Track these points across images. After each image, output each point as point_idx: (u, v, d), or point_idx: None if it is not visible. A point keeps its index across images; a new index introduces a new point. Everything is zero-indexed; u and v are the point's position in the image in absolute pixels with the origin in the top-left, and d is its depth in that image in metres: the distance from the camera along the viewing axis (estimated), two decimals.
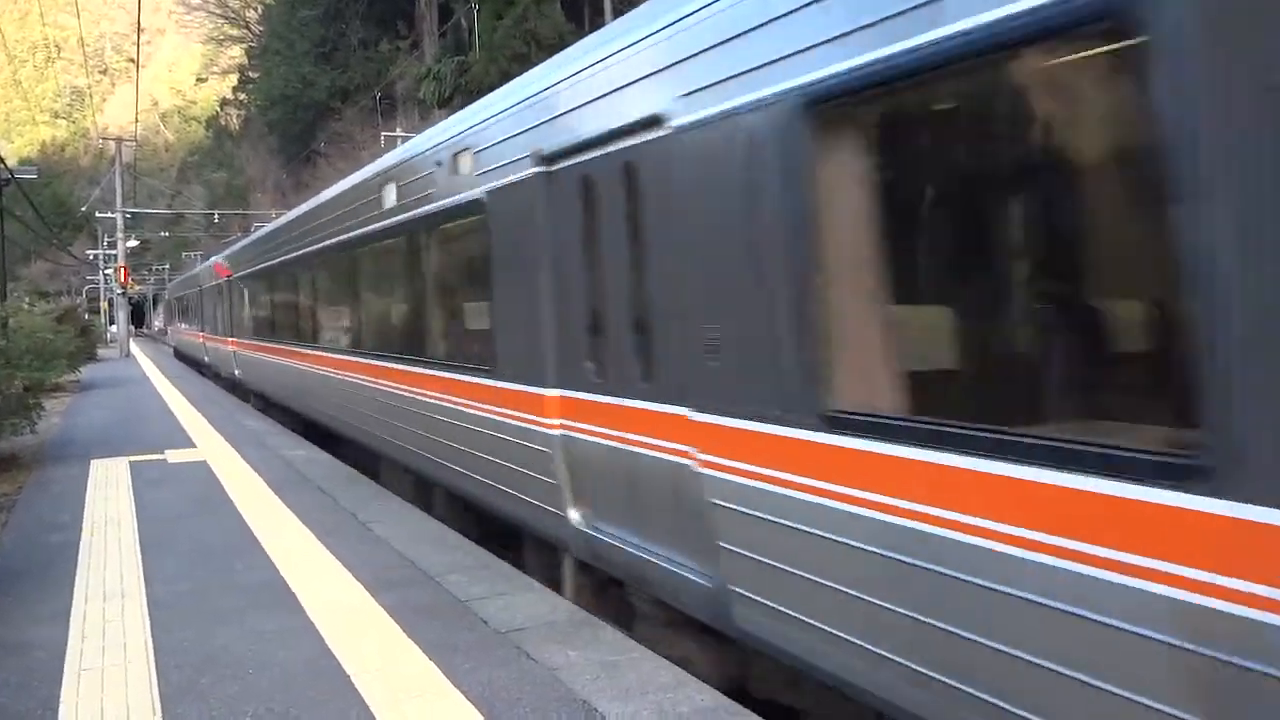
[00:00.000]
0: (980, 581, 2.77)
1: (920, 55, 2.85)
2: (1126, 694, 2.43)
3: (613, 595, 5.24)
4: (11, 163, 29.32)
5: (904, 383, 3.24)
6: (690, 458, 4.09)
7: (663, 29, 4.18)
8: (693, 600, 4.25)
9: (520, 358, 5.80)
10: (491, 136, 6.11)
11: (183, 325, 36.99)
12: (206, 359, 25.90)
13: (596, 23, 28.57)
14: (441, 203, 7.07)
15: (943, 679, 2.91)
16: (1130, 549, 2.40)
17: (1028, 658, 2.65)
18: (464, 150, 6.58)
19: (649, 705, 3.95)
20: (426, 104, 41.68)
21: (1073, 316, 2.79)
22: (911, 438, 2.99)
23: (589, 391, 5.07)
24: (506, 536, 6.67)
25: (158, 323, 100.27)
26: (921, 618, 2.96)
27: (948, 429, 2.87)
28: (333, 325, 11.40)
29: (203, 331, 26.37)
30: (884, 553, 3.09)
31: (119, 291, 39.82)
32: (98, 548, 7.10)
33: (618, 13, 23.48)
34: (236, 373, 19.35)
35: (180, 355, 37.26)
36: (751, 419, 3.70)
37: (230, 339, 20.10)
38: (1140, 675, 2.40)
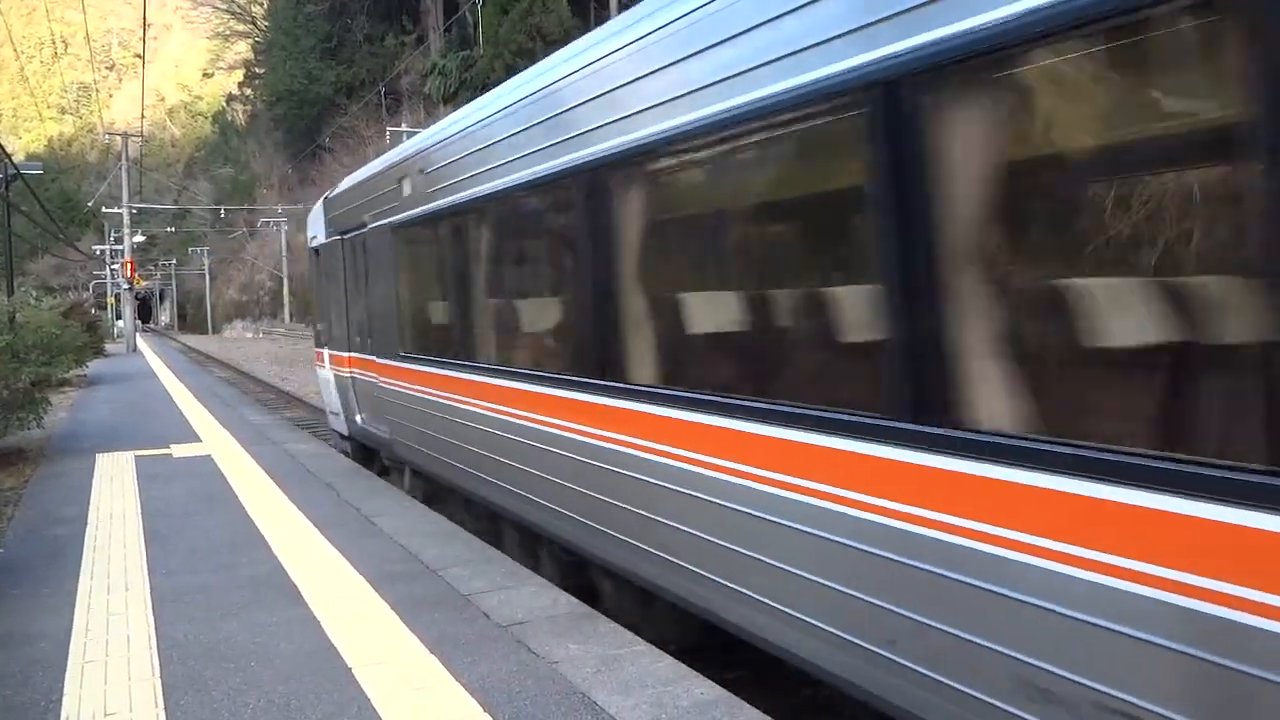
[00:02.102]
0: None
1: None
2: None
3: None
4: (18, 158, 29.42)
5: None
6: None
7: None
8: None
9: None
10: None
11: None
12: None
13: (601, 16, 28.49)
14: None
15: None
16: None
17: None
18: None
19: (648, 698, 3.96)
20: (432, 99, 41.72)
21: None
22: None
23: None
24: None
25: (164, 318, 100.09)
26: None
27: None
28: None
29: None
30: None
31: (125, 286, 39.93)
32: (102, 541, 7.13)
33: (623, 7, 23.43)
34: None
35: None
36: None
37: None
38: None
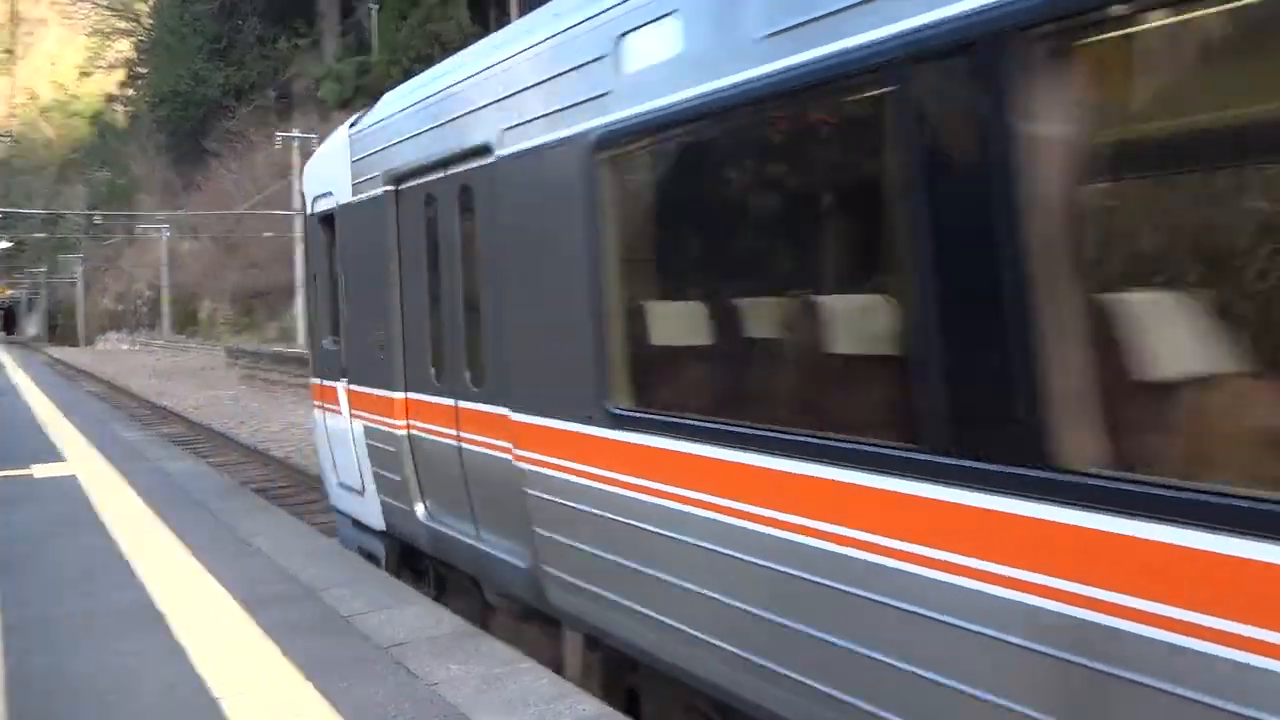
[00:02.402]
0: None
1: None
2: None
3: None
4: None
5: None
6: None
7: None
8: None
9: None
10: None
11: None
12: None
13: (502, 23, 28.37)
14: None
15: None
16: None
17: None
18: None
19: (530, 717, 3.91)
20: (326, 104, 40.64)
21: None
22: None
23: None
24: None
25: (31, 329, 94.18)
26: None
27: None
28: None
29: None
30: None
31: None
32: None
33: (523, 11, 23.36)
34: None
35: None
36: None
37: None
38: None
